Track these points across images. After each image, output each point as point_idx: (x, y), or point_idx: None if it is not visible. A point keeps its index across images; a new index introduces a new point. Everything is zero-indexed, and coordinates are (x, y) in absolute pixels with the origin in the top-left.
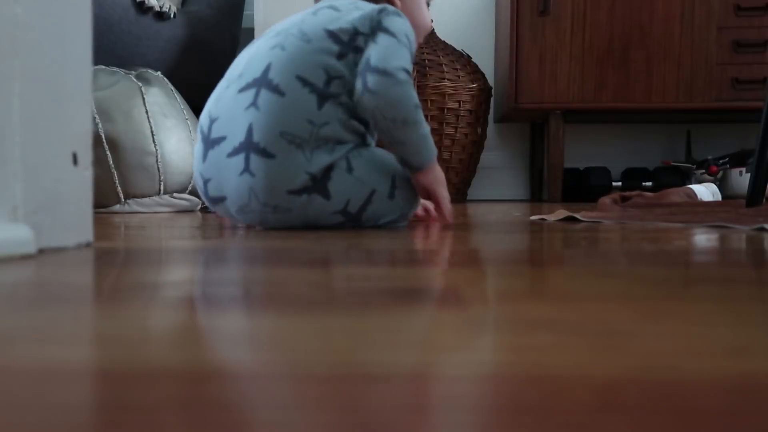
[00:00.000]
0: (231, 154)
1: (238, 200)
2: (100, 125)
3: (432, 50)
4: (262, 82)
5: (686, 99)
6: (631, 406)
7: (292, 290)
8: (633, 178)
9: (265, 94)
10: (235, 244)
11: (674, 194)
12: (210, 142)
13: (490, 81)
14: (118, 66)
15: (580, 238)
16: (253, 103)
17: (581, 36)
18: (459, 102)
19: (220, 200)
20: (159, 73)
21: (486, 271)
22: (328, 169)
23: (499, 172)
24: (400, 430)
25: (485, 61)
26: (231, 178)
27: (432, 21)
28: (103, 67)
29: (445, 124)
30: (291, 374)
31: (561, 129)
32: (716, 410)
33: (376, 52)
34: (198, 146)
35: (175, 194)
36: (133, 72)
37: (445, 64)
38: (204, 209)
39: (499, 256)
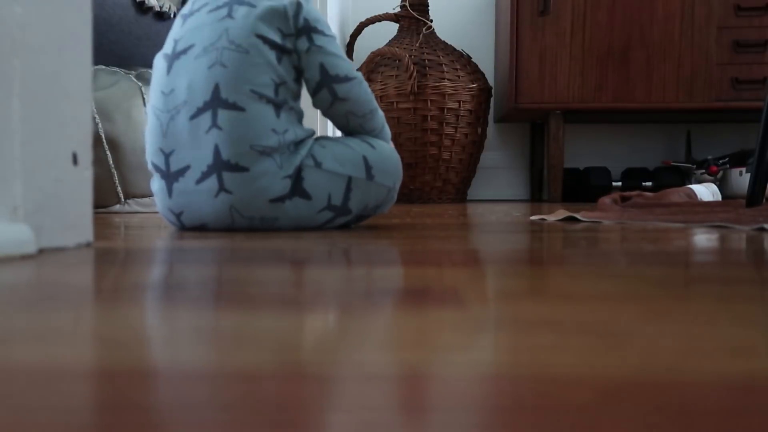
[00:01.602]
0: (200, 180)
1: (221, 222)
2: (100, 125)
3: (432, 50)
4: (217, 102)
5: (686, 99)
6: (631, 406)
7: (291, 290)
8: (633, 178)
9: (223, 114)
10: (234, 244)
11: (674, 194)
12: (172, 175)
13: (490, 81)
14: (118, 66)
15: (580, 238)
16: (214, 125)
17: (581, 36)
18: (459, 102)
19: (201, 228)
20: None
21: (486, 271)
22: (299, 170)
23: (499, 172)
24: (399, 430)
25: (485, 61)
26: (206, 204)
27: (432, 21)
28: (103, 67)
29: (445, 124)
30: (291, 374)
31: (561, 129)
32: (716, 410)
33: (326, 60)
34: (157, 183)
35: None
36: (133, 72)
37: (445, 64)
38: None
39: (499, 256)
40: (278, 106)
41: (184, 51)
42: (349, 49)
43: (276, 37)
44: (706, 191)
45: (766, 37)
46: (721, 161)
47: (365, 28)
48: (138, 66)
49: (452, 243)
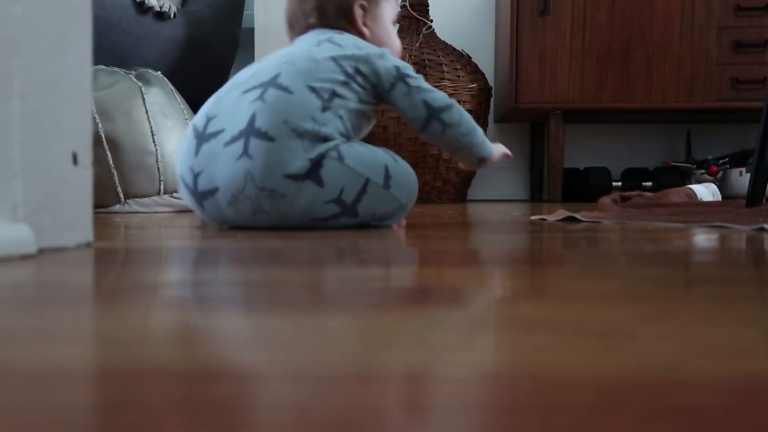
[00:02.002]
0: (229, 143)
1: (232, 187)
2: (100, 125)
3: (432, 50)
4: (271, 83)
5: (686, 99)
6: (631, 406)
7: (291, 290)
8: (633, 178)
9: (273, 91)
10: (234, 245)
11: (674, 194)
12: (205, 137)
13: (490, 81)
14: (118, 66)
15: (580, 238)
16: (260, 98)
17: (581, 36)
18: (459, 102)
19: (210, 193)
20: (159, 73)
21: (486, 271)
22: (320, 158)
23: (499, 172)
24: (400, 430)
25: (485, 61)
26: (226, 166)
27: (432, 21)
28: (103, 67)
29: None
30: (291, 374)
31: (561, 129)
32: (716, 410)
33: (427, 96)
34: (187, 143)
35: (175, 194)
36: (133, 72)
37: (445, 64)
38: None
39: (499, 256)
40: (326, 107)
41: (272, 56)
42: None
43: (350, 68)
44: (706, 191)
45: (766, 37)
46: (721, 161)
47: None
48: (138, 66)
49: (452, 243)
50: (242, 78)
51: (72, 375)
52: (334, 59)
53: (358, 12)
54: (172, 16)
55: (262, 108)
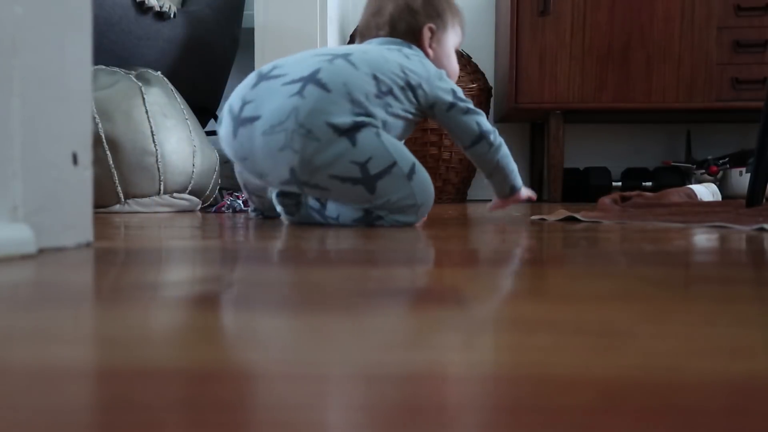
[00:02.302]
0: (287, 83)
1: (274, 118)
2: (100, 125)
3: None
4: (342, 56)
5: (686, 99)
6: (631, 406)
7: (290, 290)
8: (633, 178)
9: (341, 61)
10: (233, 244)
11: (674, 194)
12: (266, 77)
13: (490, 81)
14: (118, 66)
15: (580, 238)
16: (329, 61)
17: (581, 36)
18: None
19: (250, 120)
20: (159, 73)
21: (486, 271)
22: (362, 124)
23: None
24: (399, 430)
25: (485, 61)
26: (276, 100)
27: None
28: (103, 67)
29: None
30: (290, 374)
31: (561, 129)
32: (716, 410)
33: (479, 119)
34: (248, 79)
35: (175, 194)
36: (133, 72)
37: None
38: (204, 209)
39: (498, 256)
40: (379, 97)
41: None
42: None
43: (402, 83)
44: (706, 191)
45: (766, 37)
46: (721, 161)
47: None
48: (138, 66)
49: (452, 243)
50: (316, 50)
51: (72, 375)
52: (402, 67)
53: (426, 33)
54: (172, 16)
55: (328, 67)
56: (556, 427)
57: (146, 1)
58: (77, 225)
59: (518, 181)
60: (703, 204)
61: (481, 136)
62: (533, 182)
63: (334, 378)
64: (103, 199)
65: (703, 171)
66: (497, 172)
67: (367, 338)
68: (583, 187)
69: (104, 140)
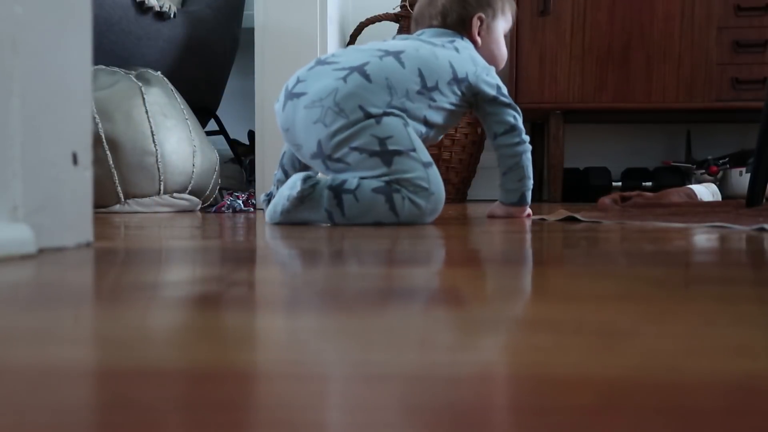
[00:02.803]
0: (337, 69)
1: (316, 94)
2: (100, 125)
3: None
4: (393, 53)
5: (686, 99)
6: (631, 406)
7: (289, 290)
8: (633, 178)
9: (390, 59)
10: (233, 245)
11: (674, 194)
12: (323, 61)
13: None
14: (118, 66)
15: (580, 238)
16: (379, 57)
17: (581, 36)
18: None
19: (297, 95)
20: (159, 73)
21: (486, 271)
22: (392, 113)
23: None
24: (399, 430)
25: None
26: (323, 80)
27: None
28: (103, 67)
29: None
30: (290, 374)
31: (561, 129)
32: (716, 410)
33: (515, 113)
34: (310, 64)
35: (175, 194)
36: (133, 72)
37: None
38: (204, 209)
39: (498, 256)
40: (421, 93)
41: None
42: None
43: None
44: (706, 191)
45: (766, 37)
46: (721, 161)
47: (365, 28)
48: (138, 66)
49: (452, 243)
50: (375, 44)
51: (72, 375)
52: (450, 63)
53: (475, 23)
54: (172, 16)
55: (377, 62)
56: (556, 427)
57: (146, 1)
58: (77, 225)
59: (529, 193)
60: (703, 204)
61: (513, 128)
62: (533, 182)
63: (334, 378)
64: (103, 199)
65: (703, 171)
66: (515, 171)
67: (367, 338)
68: (583, 187)
69: (104, 140)
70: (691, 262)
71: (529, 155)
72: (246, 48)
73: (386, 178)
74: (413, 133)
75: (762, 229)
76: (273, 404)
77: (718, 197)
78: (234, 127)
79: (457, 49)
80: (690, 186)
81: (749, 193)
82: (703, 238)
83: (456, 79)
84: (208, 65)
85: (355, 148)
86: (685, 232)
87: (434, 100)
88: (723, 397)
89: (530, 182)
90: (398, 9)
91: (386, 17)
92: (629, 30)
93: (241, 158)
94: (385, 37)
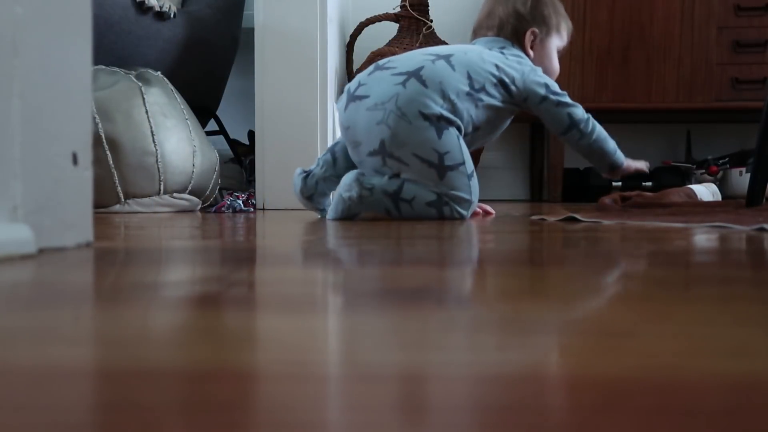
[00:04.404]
0: (395, 74)
1: (378, 98)
2: (100, 125)
3: None
4: (444, 57)
5: (686, 99)
6: (631, 406)
7: (289, 290)
8: (633, 178)
9: (441, 62)
10: (233, 245)
11: (674, 194)
12: (380, 67)
13: None
14: (118, 66)
15: (580, 238)
16: (432, 61)
17: (581, 36)
18: None
19: (359, 98)
20: (159, 73)
21: (486, 271)
22: (447, 121)
23: (499, 172)
24: (399, 430)
25: None
26: (384, 85)
27: (433, 21)
28: (103, 67)
29: None
30: (290, 374)
31: None
32: (716, 410)
33: (571, 110)
34: (370, 69)
35: (175, 194)
36: (133, 72)
37: None
38: (204, 209)
39: (499, 256)
40: (470, 94)
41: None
42: (349, 49)
43: (503, 85)
44: (706, 191)
45: (766, 37)
46: (721, 161)
47: (365, 28)
48: (138, 66)
49: (452, 243)
50: (426, 49)
51: (72, 375)
52: (497, 65)
53: (528, 37)
54: (172, 16)
55: (431, 66)
56: (556, 427)
57: (146, 1)
58: (77, 225)
59: (617, 159)
60: (703, 204)
61: (572, 126)
62: (533, 182)
63: (334, 378)
64: (103, 199)
65: (703, 171)
66: (592, 156)
67: (366, 338)
68: (583, 187)
69: (104, 140)
70: (691, 262)
71: (597, 136)
72: (246, 48)
73: (437, 190)
74: (464, 145)
75: (762, 229)
76: (273, 404)
77: (718, 197)
78: (234, 127)
79: (504, 54)
80: (690, 186)
81: (749, 193)
82: (703, 238)
83: (502, 82)
84: (208, 65)
85: (416, 156)
86: (685, 232)
87: (481, 100)
88: (723, 397)
89: (610, 151)
90: (398, 9)
91: (386, 17)
92: (629, 30)
93: (241, 158)
94: (386, 38)
